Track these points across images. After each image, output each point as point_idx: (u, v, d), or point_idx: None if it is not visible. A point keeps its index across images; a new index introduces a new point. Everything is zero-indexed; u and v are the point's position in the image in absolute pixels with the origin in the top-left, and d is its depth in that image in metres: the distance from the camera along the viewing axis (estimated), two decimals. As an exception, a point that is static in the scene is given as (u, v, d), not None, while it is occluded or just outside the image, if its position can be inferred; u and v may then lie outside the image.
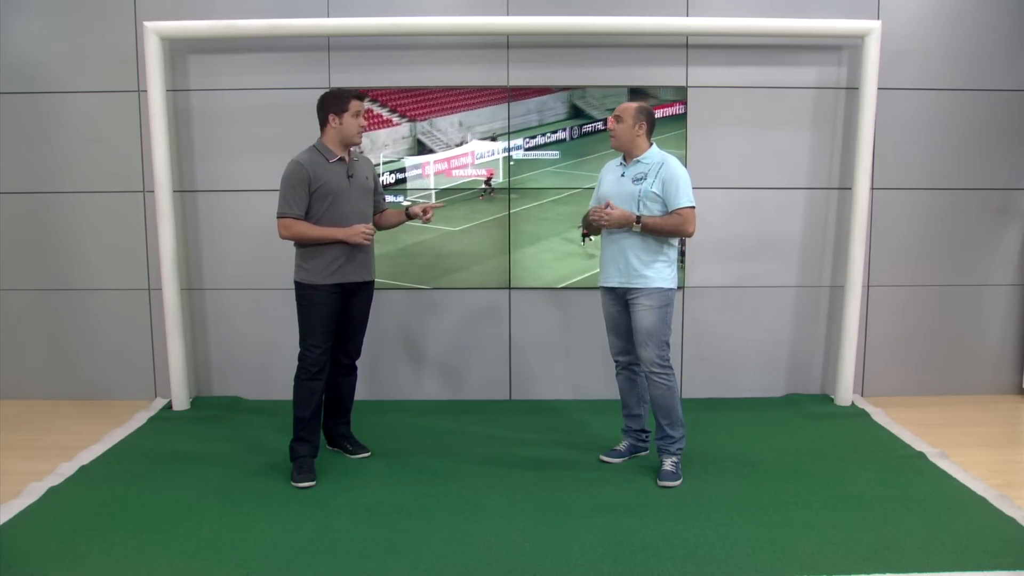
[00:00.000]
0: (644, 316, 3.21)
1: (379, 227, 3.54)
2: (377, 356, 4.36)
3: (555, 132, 4.32)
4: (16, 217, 4.34)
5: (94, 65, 4.21)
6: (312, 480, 3.24)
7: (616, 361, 3.46)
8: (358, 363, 3.58)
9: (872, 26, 4.05)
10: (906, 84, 4.27)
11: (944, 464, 3.42)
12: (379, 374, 4.41)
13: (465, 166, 4.34)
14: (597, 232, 3.37)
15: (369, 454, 3.58)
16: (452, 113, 4.28)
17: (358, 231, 3.24)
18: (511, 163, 4.32)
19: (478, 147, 4.31)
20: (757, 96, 4.27)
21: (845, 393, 4.31)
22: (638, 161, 3.25)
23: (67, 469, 3.38)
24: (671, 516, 2.93)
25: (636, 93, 4.24)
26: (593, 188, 3.50)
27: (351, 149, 3.36)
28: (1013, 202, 4.42)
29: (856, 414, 4.18)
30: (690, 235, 3.23)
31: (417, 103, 4.28)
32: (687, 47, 4.24)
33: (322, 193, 3.23)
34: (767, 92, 4.26)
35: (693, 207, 3.18)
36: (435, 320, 4.41)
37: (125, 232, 4.34)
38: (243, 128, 4.25)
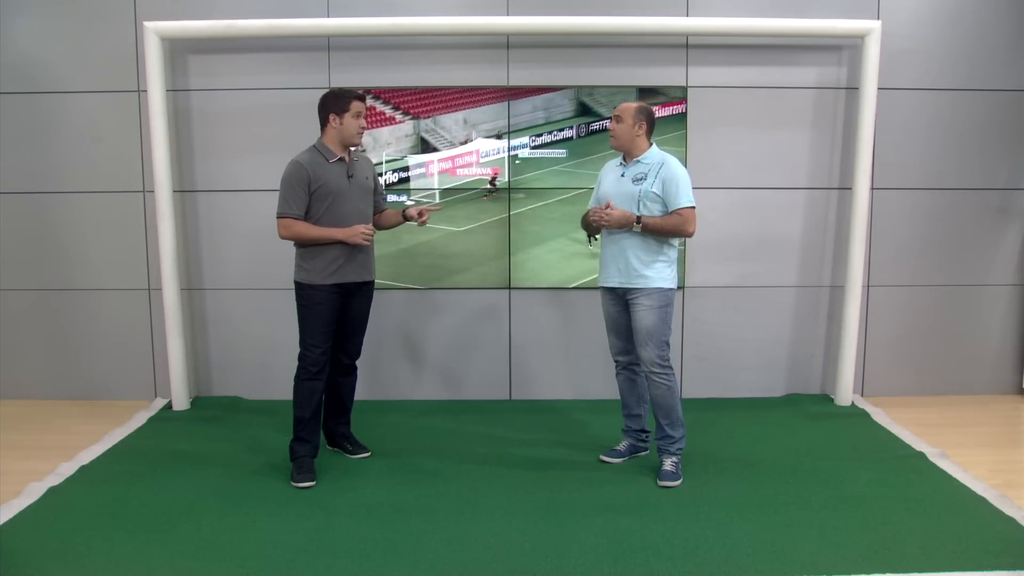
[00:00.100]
0: (644, 316, 3.21)
1: (379, 227, 3.54)
2: (377, 356, 4.36)
3: (562, 130, 4.30)
4: (16, 217, 4.34)
5: (94, 65, 4.21)
6: (312, 480, 3.24)
7: (616, 361, 3.46)
8: (358, 363, 3.58)
9: (872, 26, 4.05)
10: (906, 84, 4.27)
11: (944, 464, 3.42)
12: (379, 374, 4.41)
13: (470, 165, 4.32)
14: (597, 232, 3.37)
15: (369, 454, 3.58)
16: (457, 110, 4.25)
17: (358, 232, 3.24)
18: (516, 162, 4.30)
19: (483, 145, 4.29)
20: (757, 96, 4.27)
21: (845, 393, 4.31)
22: (638, 161, 3.25)
23: (67, 469, 3.38)
24: (671, 516, 2.93)
25: (646, 92, 4.24)
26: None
27: (351, 149, 3.36)
28: (1013, 202, 4.42)
29: (856, 414, 4.18)
30: (690, 235, 3.23)
31: (421, 100, 4.26)
32: (687, 47, 4.24)
33: (322, 193, 3.23)
34: (767, 92, 4.26)
35: (693, 207, 3.18)
36: (435, 320, 4.41)
37: (125, 232, 4.34)
38: (243, 128, 4.25)
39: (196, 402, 4.37)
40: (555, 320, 4.41)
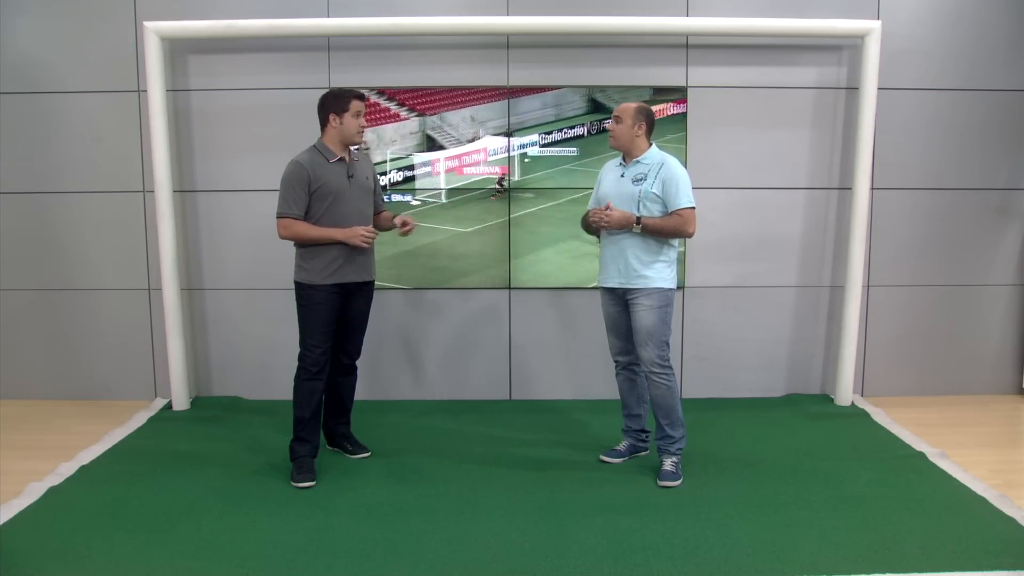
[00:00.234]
0: (644, 316, 3.21)
1: (378, 228, 3.53)
2: (377, 356, 4.36)
3: (572, 128, 4.26)
4: (16, 217, 4.34)
5: (94, 65, 4.21)
6: (312, 480, 3.24)
7: (616, 361, 3.46)
8: (358, 363, 3.58)
9: (872, 26, 4.05)
10: (906, 84, 4.27)
11: (944, 464, 3.42)
12: (379, 374, 4.41)
13: (477, 163, 4.28)
14: (596, 233, 3.37)
15: (369, 454, 3.58)
16: (464, 107, 4.21)
17: (358, 234, 3.23)
18: (526, 160, 4.27)
19: (490, 143, 4.24)
20: (757, 96, 4.27)
21: (845, 393, 4.31)
22: (638, 161, 3.25)
23: (67, 469, 3.38)
24: (671, 516, 2.93)
25: (661, 90, 4.23)
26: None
27: (351, 149, 3.36)
28: (1013, 202, 4.42)
29: (856, 414, 4.18)
30: (690, 235, 3.23)
31: (427, 97, 4.22)
32: (687, 47, 4.24)
33: (322, 193, 3.23)
34: (767, 92, 4.26)
35: (693, 208, 3.18)
36: (435, 320, 4.41)
37: (125, 232, 4.34)
38: (243, 128, 4.25)
39: (196, 402, 4.37)
40: (555, 320, 4.41)
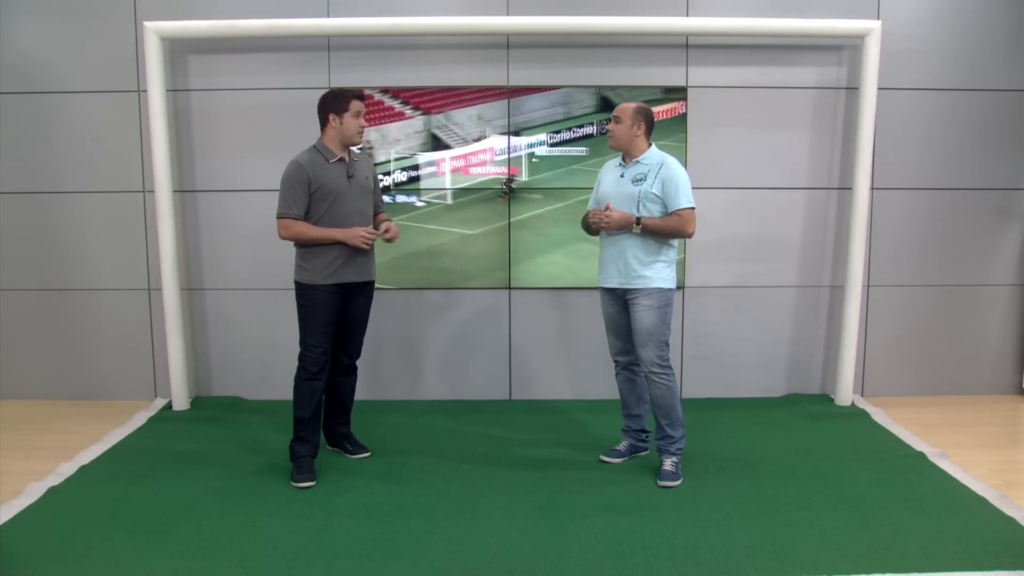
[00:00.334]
0: (644, 316, 3.21)
1: (376, 229, 3.53)
2: (377, 356, 4.36)
3: (581, 127, 4.21)
4: (16, 217, 4.34)
5: (94, 65, 4.21)
6: (312, 480, 3.24)
7: (616, 361, 3.46)
8: (358, 363, 3.58)
9: (872, 26, 4.05)
10: (906, 84, 4.27)
11: (944, 464, 3.42)
12: (379, 374, 4.41)
13: (483, 163, 4.23)
14: (596, 234, 3.37)
15: (369, 454, 3.58)
16: (470, 105, 4.15)
17: (358, 235, 3.23)
18: (534, 160, 4.24)
19: (497, 143, 4.19)
20: (757, 96, 4.27)
21: (845, 393, 4.31)
22: (637, 162, 3.25)
23: (67, 469, 3.38)
24: (671, 516, 2.93)
25: (671, 91, 4.22)
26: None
27: (351, 149, 3.36)
28: (1013, 202, 4.42)
29: (856, 414, 4.18)
30: (690, 236, 3.23)
31: (432, 95, 4.17)
32: (687, 47, 4.24)
33: (322, 193, 3.23)
34: (767, 92, 4.26)
35: (693, 208, 3.18)
36: (435, 320, 4.40)
37: (125, 232, 4.34)
38: (243, 128, 4.25)
39: (196, 402, 4.37)
40: (555, 320, 4.41)
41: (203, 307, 4.42)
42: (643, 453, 3.54)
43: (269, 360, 4.37)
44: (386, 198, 4.23)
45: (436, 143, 4.22)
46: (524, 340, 4.43)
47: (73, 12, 4.18)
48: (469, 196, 4.27)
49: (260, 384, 4.42)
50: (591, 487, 3.21)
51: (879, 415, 4.12)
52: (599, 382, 4.34)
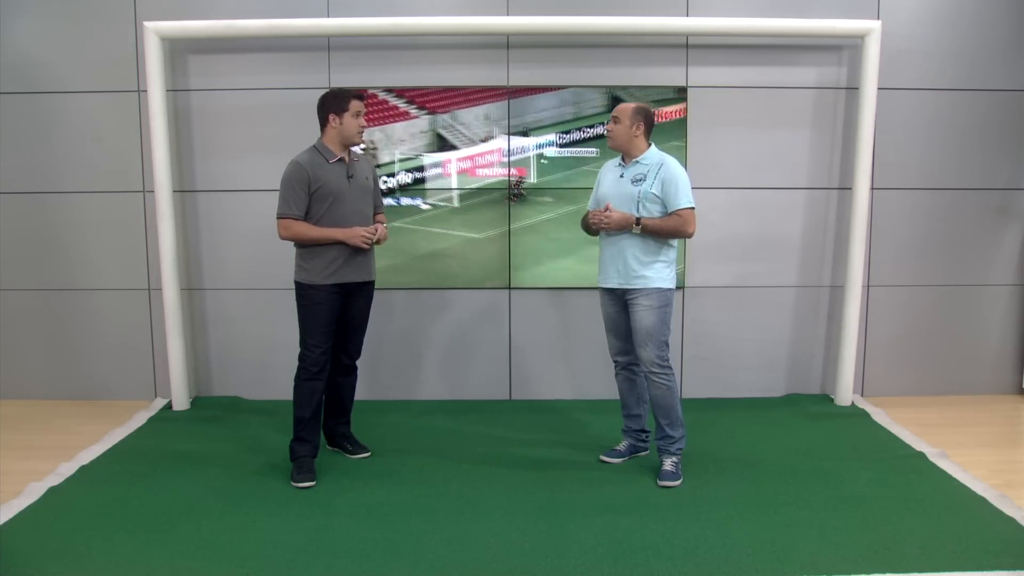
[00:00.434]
0: (643, 316, 3.21)
1: None
2: (377, 356, 4.36)
3: (592, 127, 4.14)
4: (16, 217, 4.34)
5: (94, 65, 4.21)
6: (312, 480, 3.24)
7: (615, 361, 3.46)
8: (358, 363, 3.58)
9: (872, 26, 4.05)
10: (906, 84, 4.27)
11: (944, 464, 3.42)
12: (379, 374, 4.41)
13: (491, 164, 4.17)
14: (595, 234, 3.37)
15: (369, 454, 3.58)
16: (477, 105, 4.08)
17: (358, 234, 3.24)
18: (543, 161, 4.20)
19: (505, 143, 4.13)
20: (757, 96, 4.27)
21: (845, 393, 4.31)
22: (637, 162, 3.25)
23: (67, 469, 3.38)
24: (671, 516, 2.93)
25: (683, 90, 4.22)
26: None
27: (351, 149, 3.36)
28: (1013, 202, 4.42)
29: (856, 414, 4.18)
30: (690, 236, 3.23)
31: (438, 94, 4.10)
32: (687, 47, 4.24)
33: (322, 194, 3.23)
34: (767, 92, 4.26)
35: (693, 208, 3.18)
36: (435, 320, 4.40)
37: (125, 232, 4.34)
38: (243, 128, 4.25)
39: (196, 402, 4.37)
40: (555, 320, 4.41)
41: (203, 307, 4.42)
42: (643, 453, 3.54)
43: (269, 360, 4.37)
44: (390, 201, 4.23)
45: (442, 143, 4.17)
46: (524, 340, 4.43)
47: (73, 12, 4.18)
48: (476, 199, 4.22)
49: (260, 384, 4.42)
50: (591, 487, 3.21)
51: (879, 415, 4.12)
52: (599, 382, 4.34)
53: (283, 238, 3.27)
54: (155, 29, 3.99)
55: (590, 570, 2.55)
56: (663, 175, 3.18)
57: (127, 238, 4.34)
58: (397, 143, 4.19)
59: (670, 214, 3.18)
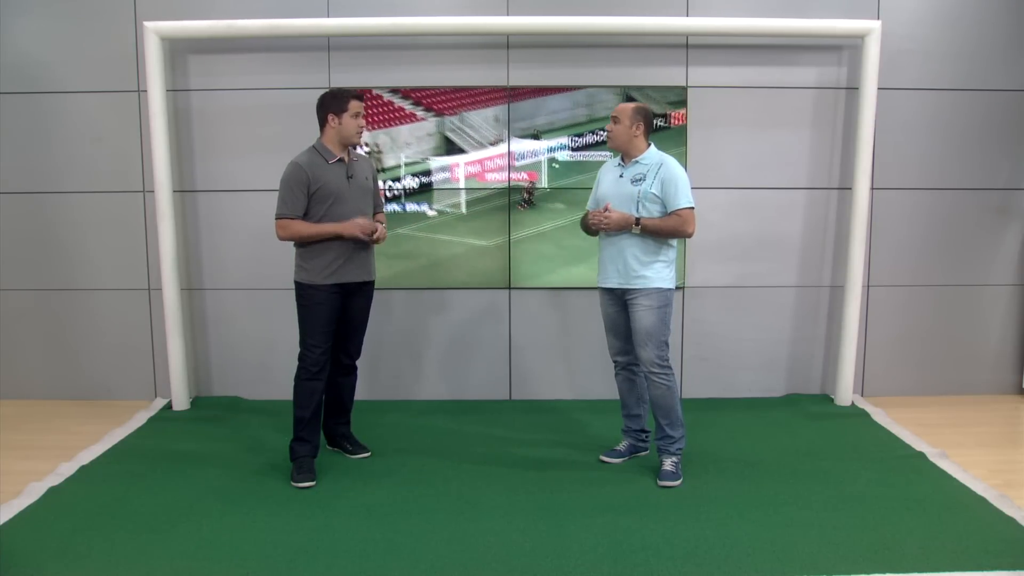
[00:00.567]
0: (643, 316, 3.21)
1: None
2: (377, 356, 4.36)
3: (604, 130, 4.01)
4: (16, 217, 4.34)
5: (94, 65, 4.21)
6: (312, 480, 3.24)
7: (615, 361, 3.46)
8: (358, 363, 3.58)
9: (872, 26, 4.05)
10: (906, 84, 4.27)
11: (944, 464, 3.42)
12: (379, 374, 4.41)
13: (500, 168, 4.10)
14: (595, 234, 3.37)
15: (369, 454, 3.58)
16: (486, 107, 4.01)
17: (356, 224, 3.23)
18: (555, 165, 4.16)
19: (515, 147, 4.07)
20: (757, 96, 4.27)
21: (845, 393, 4.31)
22: (636, 162, 3.25)
23: (67, 469, 3.38)
24: (671, 516, 2.93)
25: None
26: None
27: (350, 149, 3.36)
28: (1013, 202, 4.42)
29: (856, 414, 4.18)
30: (690, 236, 3.23)
31: (446, 95, 4.02)
32: (687, 47, 4.24)
33: (322, 195, 3.22)
34: (767, 92, 4.26)
35: (692, 208, 3.18)
36: (435, 320, 4.40)
37: (125, 232, 4.34)
38: (243, 128, 4.25)
39: (196, 402, 4.37)
40: (555, 320, 4.41)
41: (203, 307, 4.42)
42: (643, 453, 3.54)
43: (269, 360, 4.37)
44: (396, 207, 4.22)
45: (450, 146, 4.11)
46: (524, 340, 4.43)
47: (73, 12, 4.18)
48: (484, 205, 4.17)
49: (260, 384, 4.42)
50: (591, 487, 3.21)
51: (879, 415, 4.12)
52: (599, 382, 4.34)
53: (281, 239, 3.27)
54: (155, 29, 3.99)
55: (590, 570, 2.55)
56: (663, 175, 3.18)
57: (127, 238, 4.34)
58: (403, 146, 4.14)
59: (670, 214, 3.18)
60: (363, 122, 3.30)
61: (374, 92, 4.16)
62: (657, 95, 4.18)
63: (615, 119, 3.25)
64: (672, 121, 4.12)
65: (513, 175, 4.20)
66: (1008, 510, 2.94)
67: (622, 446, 3.54)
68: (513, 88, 4.21)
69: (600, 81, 4.24)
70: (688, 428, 3.39)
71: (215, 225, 4.35)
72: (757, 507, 3.00)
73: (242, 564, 2.59)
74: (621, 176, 3.28)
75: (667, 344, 3.25)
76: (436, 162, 4.20)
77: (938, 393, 4.50)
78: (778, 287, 4.42)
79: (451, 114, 4.09)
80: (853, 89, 4.24)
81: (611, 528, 2.83)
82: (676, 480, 3.23)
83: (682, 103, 4.22)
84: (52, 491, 3.16)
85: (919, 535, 2.77)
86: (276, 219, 3.24)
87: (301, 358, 3.32)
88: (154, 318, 4.39)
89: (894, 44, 4.20)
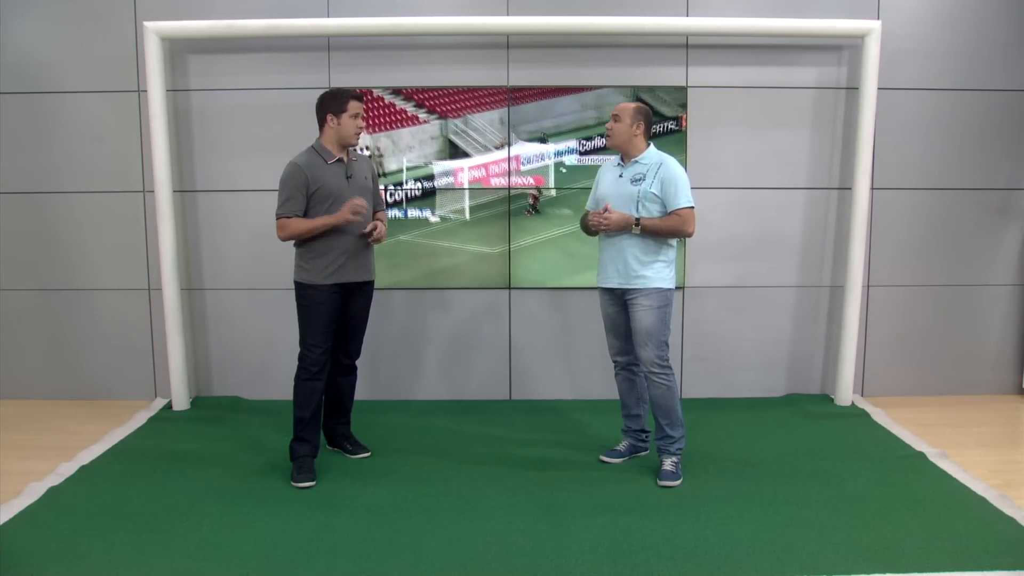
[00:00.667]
0: (643, 316, 3.21)
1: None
2: (377, 356, 4.36)
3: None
4: (16, 217, 4.34)
5: (94, 65, 4.21)
6: (312, 480, 3.24)
7: (615, 361, 3.46)
8: (358, 363, 3.58)
9: (872, 26, 4.05)
10: (906, 84, 4.27)
11: (944, 464, 3.42)
12: (379, 374, 4.41)
13: (504, 173, 4.04)
14: (594, 235, 3.37)
15: (369, 454, 3.58)
16: (490, 109, 3.93)
17: (344, 208, 3.17)
18: (562, 170, 4.12)
19: (521, 150, 4.00)
20: (757, 96, 4.27)
21: (845, 393, 4.31)
22: (636, 161, 3.25)
23: (67, 469, 3.38)
24: (671, 516, 2.93)
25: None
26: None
27: (349, 149, 3.35)
28: (1013, 202, 4.42)
29: (856, 414, 4.18)
30: (690, 235, 3.23)
31: (449, 97, 3.94)
32: (687, 47, 4.24)
33: (321, 195, 3.22)
34: (767, 92, 4.26)
35: (692, 207, 3.18)
36: (435, 320, 4.41)
37: (125, 232, 4.34)
38: (243, 128, 4.25)
39: (196, 402, 4.37)
40: (555, 320, 4.41)
41: (203, 307, 4.42)
42: (643, 453, 3.54)
43: (269, 360, 4.37)
44: (398, 213, 4.22)
45: (453, 150, 4.05)
46: (524, 340, 4.43)
47: (73, 12, 4.18)
48: (488, 211, 4.14)
49: (260, 384, 4.42)
50: (591, 487, 3.21)
51: (879, 415, 4.12)
52: (599, 382, 4.34)
53: (282, 239, 3.27)
54: (155, 29, 3.99)
55: (590, 570, 2.55)
56: (662, 175, 3.18)
57: (127, 238, 4.34)
58: (405, 150, 4.10)
59: (669, 214, 3.18)
60: (362, 123, 3.30)
61: (375, 93, 4.16)
62: (668, 96, 4.17)
63: (616, 117, 3.25)
64: (683, 124, 4.11)
65: (519, 180, 4.16)
66: (1008, 510, 2.95)
67: (622, 446, 3.54)
68: (513, 88, 4.21)
69: (600, 81, 4.24)
70: (688, 428, 3.39)
71: (215, 225, 4.35)
72: (757, 507, 3.00)
73: (242, 564, 2.59)
74: (621, 176, 3.28)
75: (667, 344, 3.25)
76: (439, 166, 4.18)
77: (938, 393, 4.50)
78: (778, 287, 4.42)
79: (454, 116, 4.06)
80: (853, 89, 4.24)
81: (611, 528, 2.83)
82: (676, 480, 3.23)
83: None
84: (52, 491, 3.16)
85: (919, 535, 2.77)
86: (276, 219, 3.24)
87: (301, 358, 3.32)
88: (154, 318, 4.39)
89: (894, 44, 4.20)
